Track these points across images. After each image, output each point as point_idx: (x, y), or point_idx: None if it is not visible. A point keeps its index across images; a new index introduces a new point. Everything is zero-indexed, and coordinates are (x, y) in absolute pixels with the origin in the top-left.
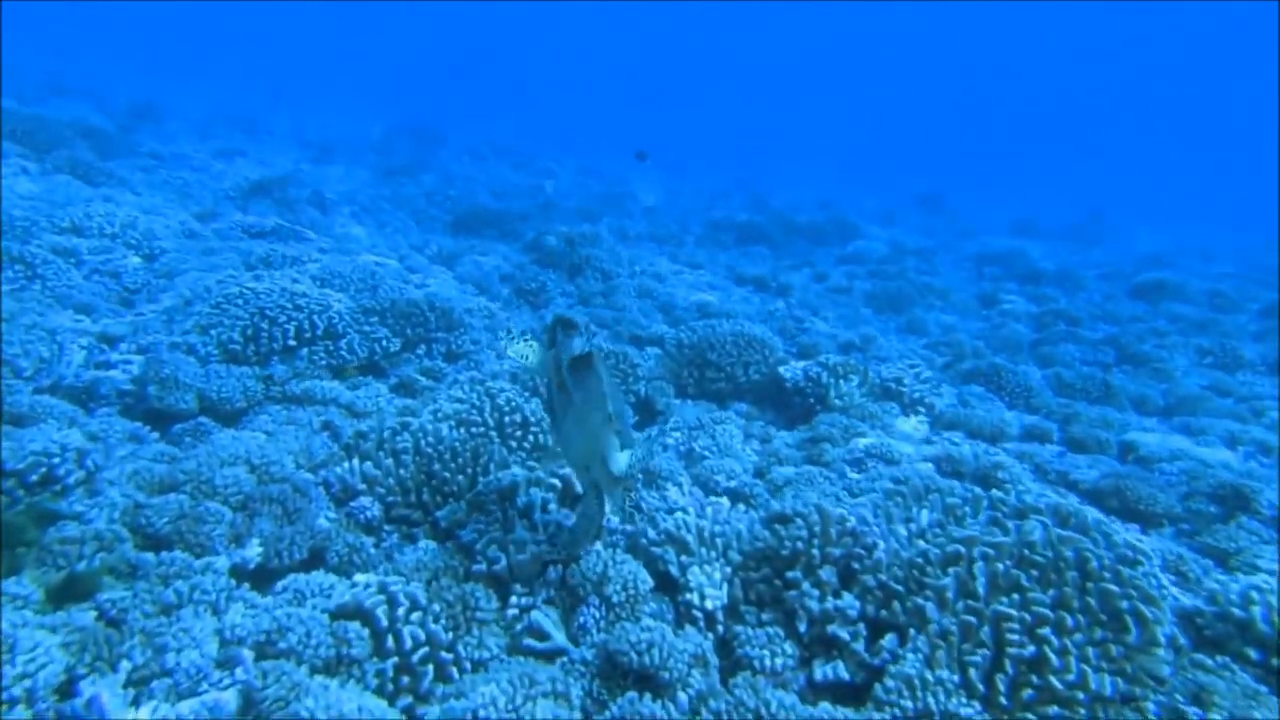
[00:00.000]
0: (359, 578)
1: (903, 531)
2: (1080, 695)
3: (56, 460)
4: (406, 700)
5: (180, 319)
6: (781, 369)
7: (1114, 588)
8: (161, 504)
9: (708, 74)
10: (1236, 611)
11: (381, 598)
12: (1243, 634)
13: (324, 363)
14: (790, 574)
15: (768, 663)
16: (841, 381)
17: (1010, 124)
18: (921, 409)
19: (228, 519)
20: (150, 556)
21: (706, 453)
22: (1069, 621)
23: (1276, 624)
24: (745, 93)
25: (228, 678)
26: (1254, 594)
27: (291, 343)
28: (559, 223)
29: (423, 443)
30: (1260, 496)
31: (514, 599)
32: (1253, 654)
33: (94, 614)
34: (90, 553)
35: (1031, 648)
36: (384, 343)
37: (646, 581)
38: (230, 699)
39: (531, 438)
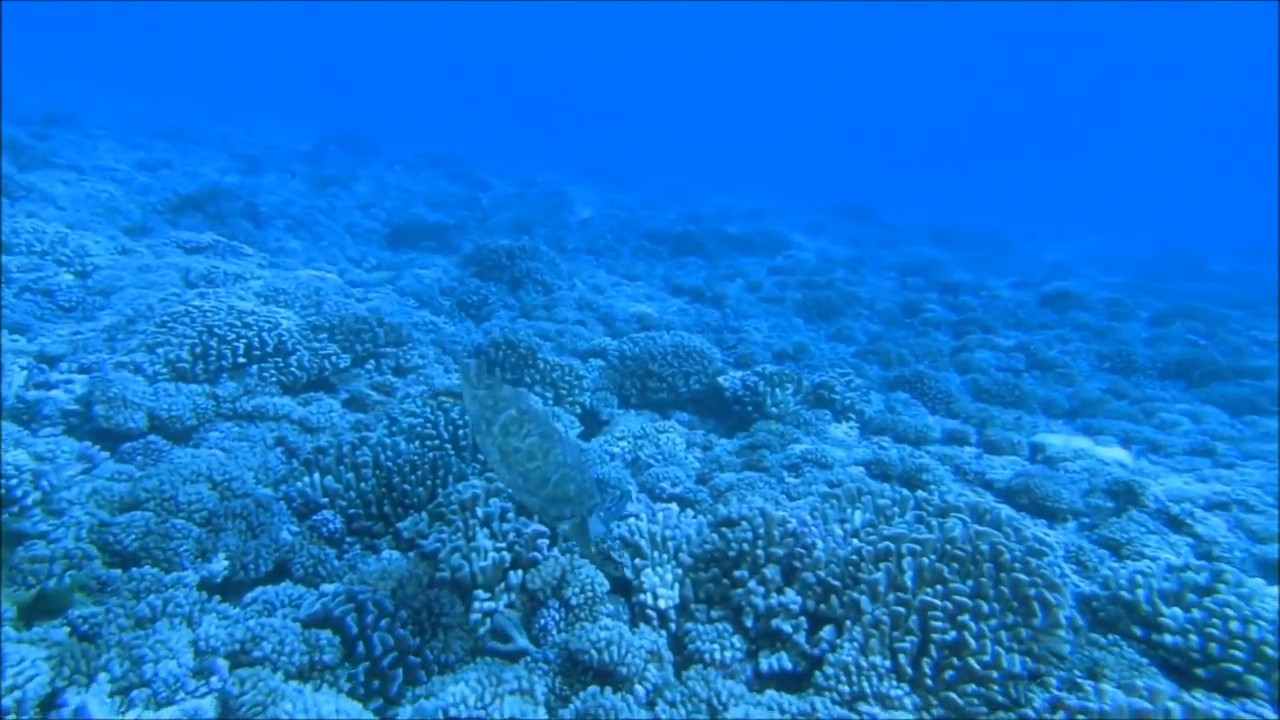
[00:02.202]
0: (326, 587)
1: (839, 531)
2: (995, 674)
3: (13, 481)
4: (378, 703)
5: (123, 338)
6: (721, 379)
7: (1024, 577)
8: (127, 522)
9: (639, 84)
10: (1125, 595)
11: (350, 606)
12: (1130, 614)
13: (274, 379)
14: (737, 573)
15: (718, 656)
16: (777, 390)
17: (932, 131)
18: (852, 415)
19: (194, 535)
20: (119, 573)
21: (651, 461)
22: (985, 609)
23: (1157, 605)
24: (676, 102)
25: (204, 686)
26: (1139, 578)
27: (241, 360)
28: (497, 235)
29: (381, 456)
30: (1147, 491)
31: (477, 604)
32: (1138, 631)
33: (67, 630)
34: (60, 570)
35: (953, 633)
36: (333, 358)
37: (603, 584)
38: (208, 706)
39: None
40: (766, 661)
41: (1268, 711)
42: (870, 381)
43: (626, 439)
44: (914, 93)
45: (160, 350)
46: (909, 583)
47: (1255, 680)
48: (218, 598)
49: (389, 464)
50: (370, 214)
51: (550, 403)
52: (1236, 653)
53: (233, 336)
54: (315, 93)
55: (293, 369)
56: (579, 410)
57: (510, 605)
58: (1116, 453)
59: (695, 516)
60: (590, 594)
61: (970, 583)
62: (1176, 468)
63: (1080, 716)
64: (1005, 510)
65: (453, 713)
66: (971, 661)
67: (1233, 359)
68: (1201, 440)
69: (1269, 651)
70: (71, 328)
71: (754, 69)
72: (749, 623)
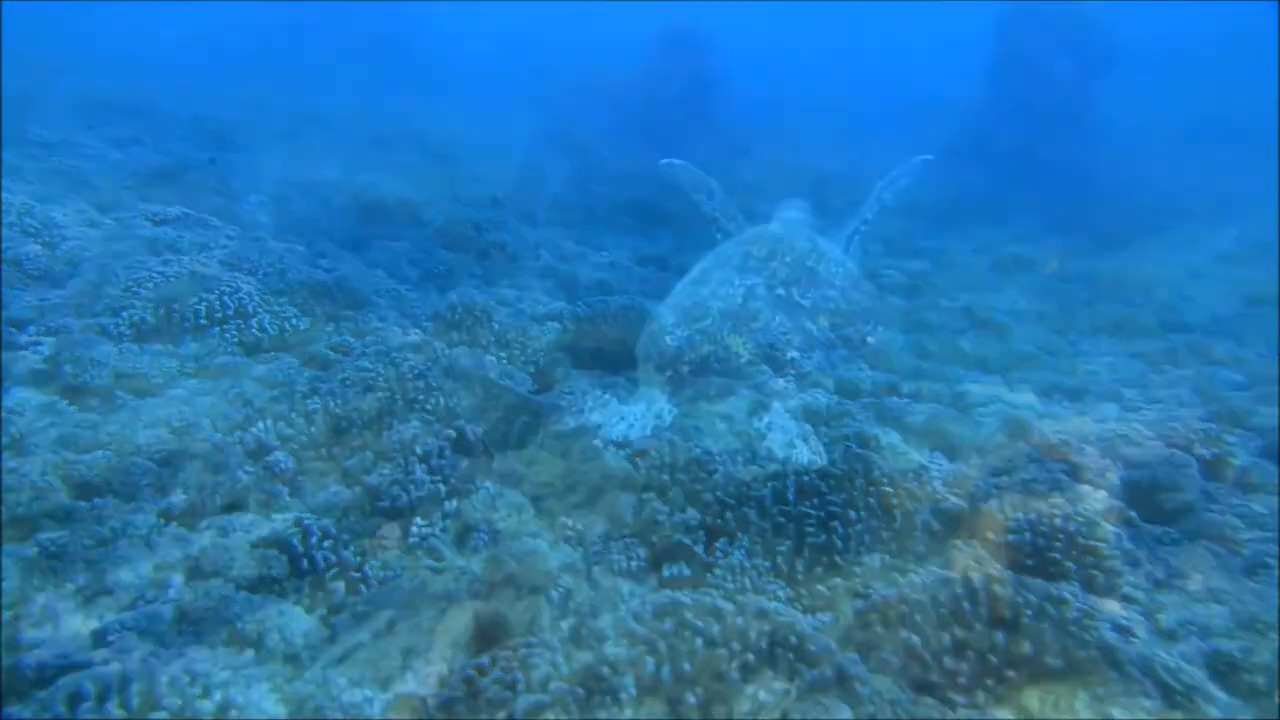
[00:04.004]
0: (276, 516)
1: (740, 458)
2: (856, 569)
3: None
4: (322, 611)
5: (89, 303)
6: (667, 338)
7: (888, 489)
8: (90, 460)
9: (626, 56)
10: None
11: (297, 530)
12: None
13: (235, 340)
14: (645, 496)
15: (624, 566)
16: (719, 348)
17: (916, 102)
18: (791, 370)
19: (153, 472)
20: (83, 504)
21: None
22: (852, 516)
23: (1008, 513)
24: (662, 75)
25: (162, 596)
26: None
27: (203, 322)
28: (470, 208)
29: (331, 404)
30: (1034, 429)
31: (415, 530)
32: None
33: (35, 550)
34: (27, 500)
35: (823, 537)
36: (293, 321)
37: (529, 510)
38: (166, 611)
39: (435, 401)
40: (668, 570)
41: (1077, 589)
42: (813, 340)
43: (574, 394)
44: (908, 68)
45: (125, 313)
46: (791, 497)
47: (1069, 565)
48: (175, 524)
49: (338, 411)
50: (342, 188)
51: (504, 362)
52: (1056, 543)
53: (194, 300)
54: (285, 71)
55: (253, 331)
56: (532, 369)
57: (444, 530)
58: (1028, 398)
59: (616, 452)
60: (516, 520)
61: (844, 495)
62: (1082, 411)
63: (900, 578)
64: (891, 437)
65: (385, 615)
66: (837, 559)
67: (1164, 314)
68: (1114, 388)
69: (1080, 540)
70: (39, 294)
71: (745, 44)
72: (654, 539)
